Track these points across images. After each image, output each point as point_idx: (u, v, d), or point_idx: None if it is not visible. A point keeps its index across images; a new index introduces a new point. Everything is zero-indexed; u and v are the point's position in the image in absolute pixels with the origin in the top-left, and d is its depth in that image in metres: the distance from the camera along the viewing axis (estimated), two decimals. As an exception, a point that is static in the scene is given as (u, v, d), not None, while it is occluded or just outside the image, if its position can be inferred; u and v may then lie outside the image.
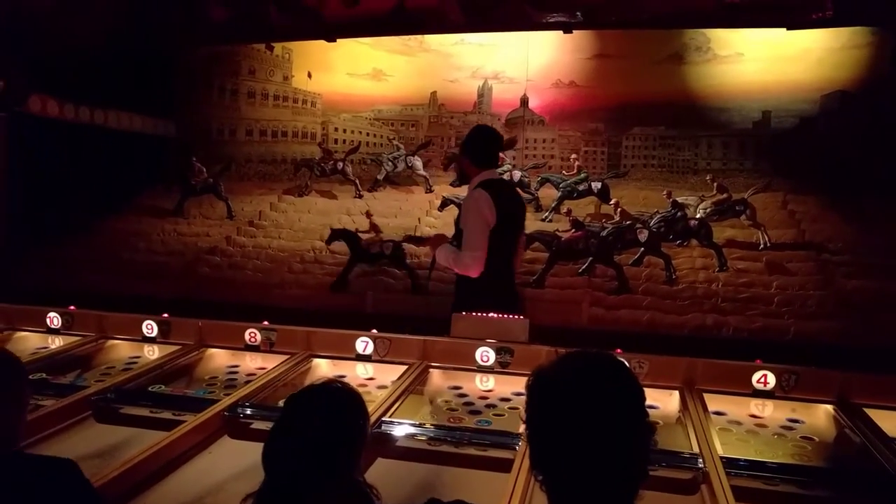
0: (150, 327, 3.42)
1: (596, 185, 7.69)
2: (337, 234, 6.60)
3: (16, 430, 1.71)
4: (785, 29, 7.78)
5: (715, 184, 7.24)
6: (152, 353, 3.37)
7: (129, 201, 8.84)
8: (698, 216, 6.74)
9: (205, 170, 8.49)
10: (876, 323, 5.10)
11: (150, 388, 2.86)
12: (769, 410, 2.77)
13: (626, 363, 1.41)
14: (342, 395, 1.67)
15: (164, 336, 3.42)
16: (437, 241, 3.82)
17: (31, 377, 2.81)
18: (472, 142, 3.64)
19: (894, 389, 2.70)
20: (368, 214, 7.62)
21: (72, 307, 3.62)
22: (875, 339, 4.88)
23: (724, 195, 7.06)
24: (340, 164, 8.94)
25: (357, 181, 8.98)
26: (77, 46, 7.25)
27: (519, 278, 4.41)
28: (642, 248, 6.30)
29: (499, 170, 8.35)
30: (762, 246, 6.70)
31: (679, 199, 6.93)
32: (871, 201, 7.29)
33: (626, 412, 1.28)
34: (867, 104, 8.12)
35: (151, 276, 6.69)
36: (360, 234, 6.68)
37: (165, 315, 3.45)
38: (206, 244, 7.66)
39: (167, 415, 2.62)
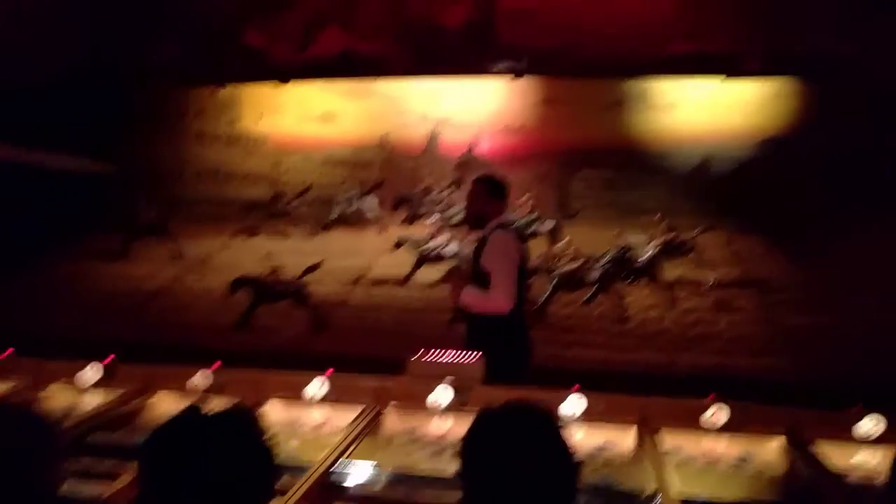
0: (92, 372, 3.26)
1: (548, 226, 7.83)
2: (239, 283, 6.66)
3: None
4: (720, 79, 8.18)
5: (662, 224, 7.47)
6: (94, 399, 3.21)
7: (75, 243, 8.55)
8: (647, 255, 6.92)
9: (151, 210, 8.30)
10: (819, 357, 5.27)
11: (91, 437, 2.71)
12: (722, 446, 2.81)
13: (554, 417, 1.39)
14: (243, 425, 1.40)
15: (107, 381, 3.26)
16: (451, 275, 3.95)
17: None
18: (496, 187, 3.81)
19: (840, 423, 2.78)
20: (268, 256, 7.57)
21: (9, 351, 3.44)
22: (819, 373, 5.03)
23: (671, 234, 7.28)
24: (291, 206, 8.88)
25: (308, 223, 8.91)
26: (22, 81, 7.08)
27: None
28: (594, 288, 6.42)
29: (450, 211, 8.49)
30: (708, 284, 6.90)
31: (630, 238, 7.12)
32: (810, 239, 7.61)
33: (556, 472, 1.29)
34: (797, 150, 8.57)
35: (96, 319, 6.44)
36: (261, 278, 6.80)
37: (110, 359, 3.31)
38: (152, 286, 7.44)
39: (109, 465, 2.49)
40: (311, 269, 6.93)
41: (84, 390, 3.28)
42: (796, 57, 7.31)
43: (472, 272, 3.78)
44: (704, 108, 8.99)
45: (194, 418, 1.36)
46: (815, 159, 8.25)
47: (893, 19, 6.84)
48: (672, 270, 7.10)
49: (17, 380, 3.33)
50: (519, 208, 8.45)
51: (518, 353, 3.66)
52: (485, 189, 3.79)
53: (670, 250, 7.14)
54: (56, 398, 3.26)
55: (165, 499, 1.26)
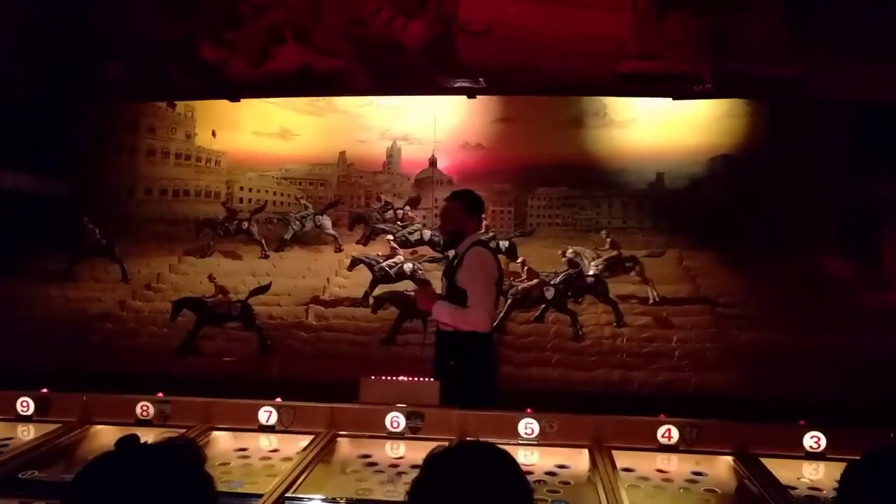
0: (25, 404, 3.09)
1: (503, 244, 7.85)
2: (181, 305, 6.51)
3: None
4: (671, 99, 8.38)
5: (608, 240, 7.58)
6: (27, 433, 3.05)
7: (10, 265, 8.21)
8: (591, 272, 7.01)
9: (97, 230, 8.04)
10: (767, 373, 5.38)
11: (21, 475, 2.57)
12: (674, 464, 2.82)
13: (512, 459, 1.32)
14: (180, 458, 1.33)
15: (42, 413, 3.10)
16: (422, 293, 3.86)
17: None
18: (474, 203, 3.76)
19: (788, 438, 2.82)
20: (211, 277, 7.37)
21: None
22: (767, 388, 5.14)
23: (615, 252, 7.39)
24: (245, 224, 8.73)
25: (263, 241, 8.77)
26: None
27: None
28: (544, 306, 6.45)
29: (408, 229, 8.47)
30: (651, 301, 7.00)
31: (576, 250, 7.22)
32: (758, 257, 7.82)
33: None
34: (748, 167, 8.82)
35: (33, 345, 6.18)
36: (204, 299, 6.65)
37: (44, 390, 3.16)
38: (96, 310, 7.20)
39: (40, 504, 2.36)
40: (260, 290, 6.76)
41: (17, 423, 3.13)
42: (744, 78, 7.53)
43: (447, 289, 3.72)
44: (658, 126, 9.19)
45: (126, 450, 1.29)
46: (766, 177, 8.50)
47: (835, 42, 7.13)
48: (625, 287, 7.18)
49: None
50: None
51: (489, 371, 3.64)
52: (461, 205, 3.73)
53: (613, 266, 7.22)
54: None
55: None
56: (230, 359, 6.24)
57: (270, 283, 7.06)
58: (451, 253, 3.85)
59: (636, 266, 7.17)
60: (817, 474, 2.70)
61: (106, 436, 3.03)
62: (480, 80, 7.66)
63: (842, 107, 7.75)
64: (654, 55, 7.57)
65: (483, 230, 3.89)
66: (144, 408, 3.06)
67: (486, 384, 3.59)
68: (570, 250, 7.22)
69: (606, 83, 7.71)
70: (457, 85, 7.85)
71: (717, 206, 8.82)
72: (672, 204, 9.14)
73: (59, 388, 3.21)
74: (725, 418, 2.99)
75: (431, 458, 1.29)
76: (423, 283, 4.12)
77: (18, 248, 8.40)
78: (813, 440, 2.72)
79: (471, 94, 8.23)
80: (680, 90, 7.74)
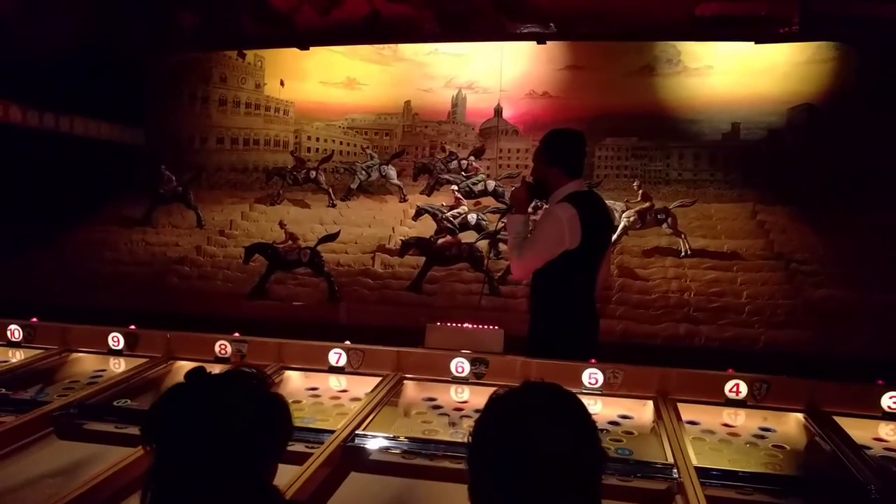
0: (115, 339, 3.31)
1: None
2: (253, 250, 6.68)
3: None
4: (753, 43, 7.93)
5: (640, 191, 7.34)
6: (118, 366, 3.26)
7: (96, 211, 8.66)
8: (622, 224, 6.88)
9: (174, 178, 8.35)
10: (843, 331, 5.19)
11: (115, 403, 2.76)
12: (741, 419, 2.78)
13: (578, 399, 1.28)
14: (257, 388, 1.39)
15: (130, 348, 3.31)
16: (520, 190, 3.27)
17: (-11, 392, 2.71)
18: (562, 149, 3.16)
19: (862, 397, 2.74)
20: (282, 224, 7.55)
21: (34, 319, 3.50)
22: (842, 347, 4.96)
23: (647, 203, 7.15)
24: (313, 173, 8.88)
25: (330, 190, 8.92)
26: (43, 51, 7.10)
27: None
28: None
29: (472, 179, 8.42)
30: (683, 254, 6.79)
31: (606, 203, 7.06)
32: (838, 212, 7.44)
33: (577, 455, 1.19)
34: (832, 117, 8.32)
35: (118, 286, 6.55)
36: (275, 245, 6.80)
37: (132, 327, 3.36)
38: (175, 254, 7.53)
39: (133, 430, 2.52)
40: (329, 237, 6.90)
41: (108, 356, 3.35)
42: (835, 18, 7.01)
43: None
44: (734, 74, 8.76)
45: (196, 380, 1.36)
46: (850, 128, 8.01)
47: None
48: (695, 242, 6.99)
49: (43, 345, 3.41)
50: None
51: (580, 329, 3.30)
52: (542, 153, 3.16)
53: (644, 218, 6.98)
54: (80, 363, 3.34)
55: (176, 457, 1.28)
56: (299, 303, 6.44)
57: (339, 232, 7.21)
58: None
59: (668, 218, 6.93)
60: (895, 435, 2.62)
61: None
62: (551, 25, 7.44)
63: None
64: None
65: (579, 182, 3.18)
66: (223, 346, 3.22)
67: (577, 341, 3.26)
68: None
69: (683, 27, 7.37)
70: (526, 30, 7.66)
71: (795, 158, 8.40)
72: (746, 156, 8.76)
73: (144, 326, 3.40)
74: (796, 375, 2.92)
75: (497, 397, 1.28)
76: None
77: (100, 195, 8.84)
78: (892, 400, 2.63)
79: (540, 39, 8.02)
80: (763, 33, 7.31)
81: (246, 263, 6.78)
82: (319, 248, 6.77)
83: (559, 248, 3.10)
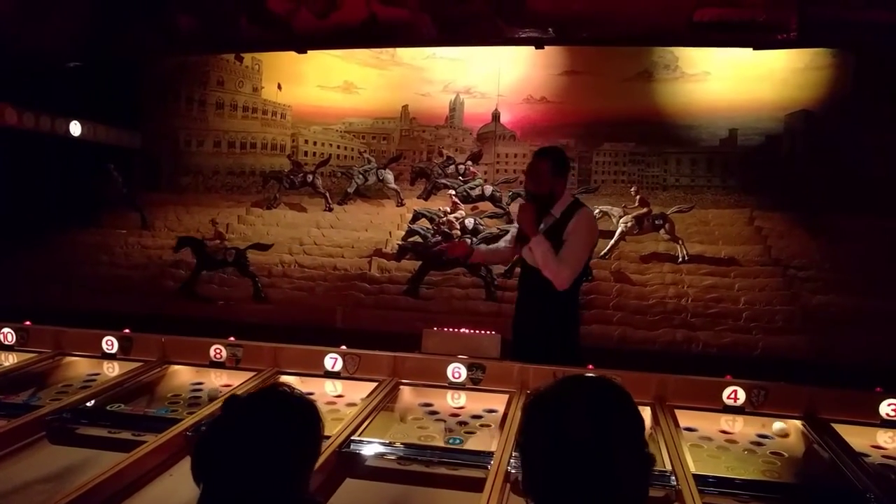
0: (110, 343, 3.29)
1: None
2: (184, 242, 6.74)
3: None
4: (751, 49, 7.94)
5: (638, 196, 7.36)
6: (112, 370, 3.24)
7: (91, 213, 8.62)
8: (620, 229, 6.91)
9: (121, 179, 8.33)
10: (841, 338, 5.18)
11: (108, 408, 2.74)
12: (739, 426, 2.77)
13: (627, 392, 1.30)
14: (293, 401, 1.46)
15: (124, 352, 3.28)
16: (526, 211, 3.53)
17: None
18: (564, 162, 3.61)
19: (861, 404, 2.73)
20: (214, 222, 7.61)
21: (27, 322, 3.48)
22: (840, 353, 4.95)
23: (645, 209, 7.17)
24: (310, 177, 8.86)
25: (327, 194, 8.90)
26: (40, 53, 7.08)
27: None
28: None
29: (470, 184, 8.42)
30: (680, 259, 6.81)
31: (602, 209, 7.10)
32: (835, 218, 7.45)
33: (628, 444, 1.22)
34: (830, 123, 8.34)
35: (113, 290, 6.51)
36: (205, 241, 6.85)
37: (126, 330, 3.34)
38: (171, 257, 7.50)
39: (126, 435, 2.51)
40: (261, 246, 6.97)
41: (102, 360, 3.32)
42: (833, 25, 7.00)
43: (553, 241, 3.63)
44: (732, 80, 8.77)
45: (234, 404, 1.42)
46: (848, 135, 8.03)
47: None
48: (692, 247, 6.99)
49: (36, 349, 3.39)
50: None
51: (573, 332, 3.57)
52: (549, 167, 3.53)
53: (644, 224, 7.01)
54: (73, 367, 3.31)
55: (226, 491, 1.32)
56: (222, 302, 6.46)
57: (272, 245, 7.29)
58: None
59: (665, 223, 6.95)
60: (893, 442, 2.60)
61: (183, 375, 3.19)
62: (549, 30, 7.43)
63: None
64: (734, 1, 7.15)
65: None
66: (218, 351, 3.20)
67: (569, 344, 3.56)
68: (598, 209, 7.07)
69: (681, 33, 7.35)
70: (524, 35, 7.64)
71: (793, 164, 8.41)
72: (744, 162, 8.77)
73: (138, 330, 3.38)
74: (794, 381, 2.91)
75: (536, 398, 1.28)
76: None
77: (97, 197, 8.79)
78: (890, 408, 2.62)
79: (539, 44, 8.00)
80: (761, 39, 7.29)
81: (176, 252, 6.86)
82: (248, 253, 6.77)
83: (592, 249, 3.57)
